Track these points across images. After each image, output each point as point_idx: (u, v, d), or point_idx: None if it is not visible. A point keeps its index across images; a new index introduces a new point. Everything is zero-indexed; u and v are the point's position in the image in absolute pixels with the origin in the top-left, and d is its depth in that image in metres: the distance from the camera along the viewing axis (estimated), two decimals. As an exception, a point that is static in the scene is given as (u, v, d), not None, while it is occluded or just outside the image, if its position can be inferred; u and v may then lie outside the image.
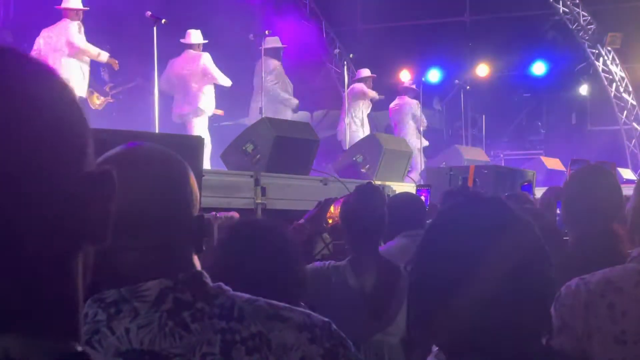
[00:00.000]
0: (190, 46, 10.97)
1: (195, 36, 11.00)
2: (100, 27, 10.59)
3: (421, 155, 13.30)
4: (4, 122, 0.77)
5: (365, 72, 13.20)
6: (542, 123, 17.67)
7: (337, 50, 16.21)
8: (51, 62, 9.12)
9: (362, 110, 12.92)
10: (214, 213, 5.15)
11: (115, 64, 10.42)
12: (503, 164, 14.42)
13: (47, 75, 0.85)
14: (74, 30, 9.81)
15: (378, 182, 8.11)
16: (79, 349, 0.82)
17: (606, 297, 2.24)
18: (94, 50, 10.03)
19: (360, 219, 3.75)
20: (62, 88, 0.85)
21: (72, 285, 0.84)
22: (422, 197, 6.18)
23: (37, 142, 0.79)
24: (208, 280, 1.61)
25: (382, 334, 3.70)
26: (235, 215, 5.06)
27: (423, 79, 14.63)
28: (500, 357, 1.57)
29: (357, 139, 11.53)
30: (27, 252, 0.78)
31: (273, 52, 11.65)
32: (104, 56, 10.15)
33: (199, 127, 10.67)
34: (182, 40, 10.95)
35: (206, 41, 11.03)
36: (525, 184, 6.57)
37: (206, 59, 10.84)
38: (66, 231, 0.82)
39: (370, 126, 13.37)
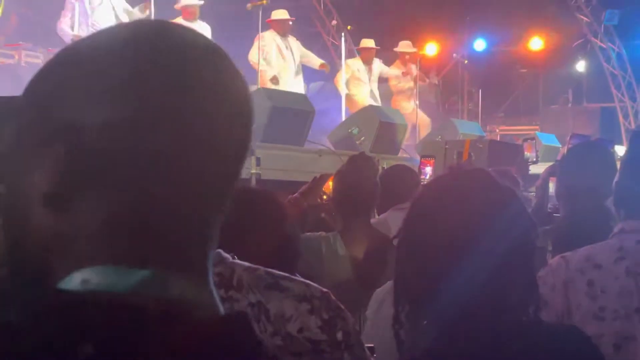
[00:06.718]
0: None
1: None
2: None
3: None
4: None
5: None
6: (539, 99, 17.63)
7: (334, 22, 16.09)
8: None
9: None
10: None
11: None
12: (498, 139, 14.40)
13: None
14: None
15: (373, 155, 8.11)
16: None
17: (586, 273, 2.25)
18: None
19: (352, 189, 3.75)
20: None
21: None
22: (427, 167, 6.15)
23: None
24: None
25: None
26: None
27: (420, 52, 14.53)
28: (492, 330, 1.57)
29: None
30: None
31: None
32: None
33: None
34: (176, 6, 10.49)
35: (202, 2, 10.61)
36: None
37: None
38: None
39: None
